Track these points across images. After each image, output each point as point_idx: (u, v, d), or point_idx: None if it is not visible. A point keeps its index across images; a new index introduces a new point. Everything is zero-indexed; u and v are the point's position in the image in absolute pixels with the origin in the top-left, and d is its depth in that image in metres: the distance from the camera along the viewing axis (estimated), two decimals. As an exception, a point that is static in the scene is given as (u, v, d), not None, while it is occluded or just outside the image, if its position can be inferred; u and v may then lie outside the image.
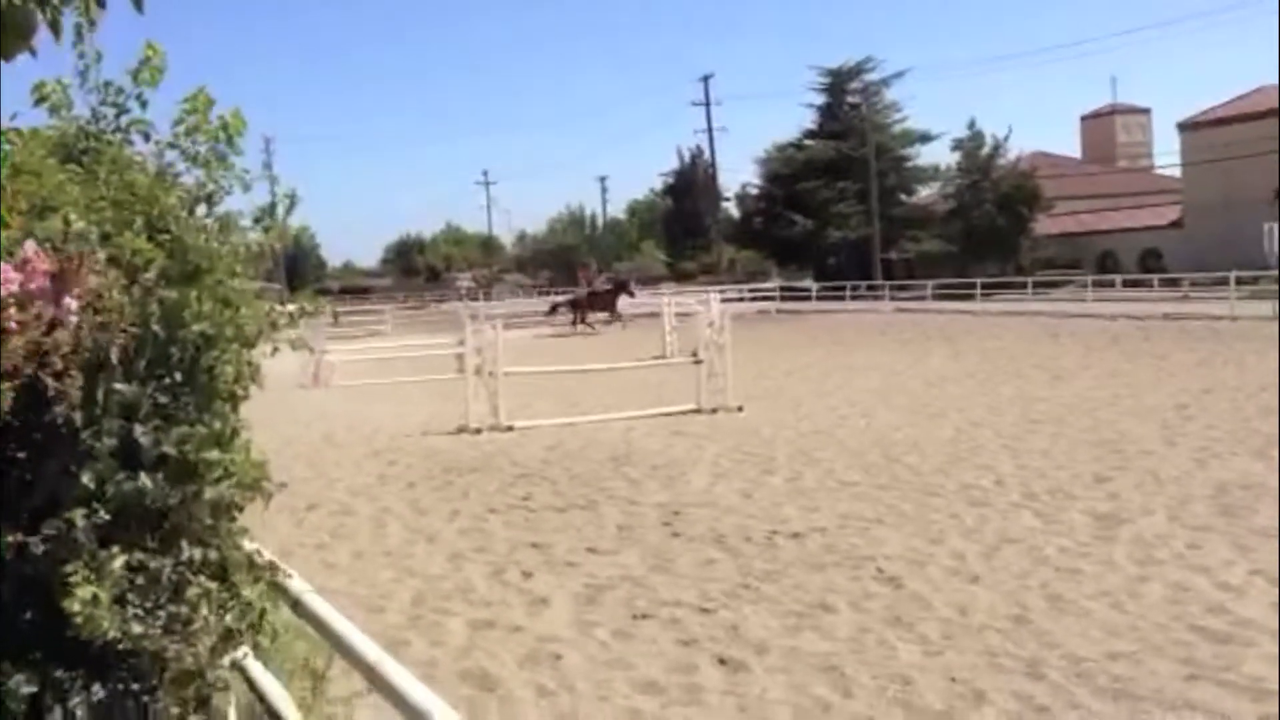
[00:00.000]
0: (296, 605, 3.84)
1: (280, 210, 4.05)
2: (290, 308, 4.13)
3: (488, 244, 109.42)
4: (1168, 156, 65.05)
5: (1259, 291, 35.20)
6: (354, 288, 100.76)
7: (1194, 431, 13.04)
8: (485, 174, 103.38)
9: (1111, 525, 8.69)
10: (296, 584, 3.91)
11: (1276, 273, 33.19)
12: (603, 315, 43.04)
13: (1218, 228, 51.33)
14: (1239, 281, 35.35)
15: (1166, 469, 10.82)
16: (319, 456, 14.08)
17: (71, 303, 3.08)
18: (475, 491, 11.38)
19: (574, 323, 43.03)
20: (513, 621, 6.98)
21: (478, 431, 15.37)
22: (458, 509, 10.55)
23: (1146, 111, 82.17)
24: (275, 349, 3.91)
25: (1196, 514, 8.93)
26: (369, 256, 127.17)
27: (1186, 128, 59.46)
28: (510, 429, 15.47)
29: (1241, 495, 9.49)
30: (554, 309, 46.60)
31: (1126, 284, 46.39)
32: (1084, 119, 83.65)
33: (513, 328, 27.66)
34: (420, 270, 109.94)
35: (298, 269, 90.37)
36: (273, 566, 3.79)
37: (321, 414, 18.56)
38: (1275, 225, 38.22)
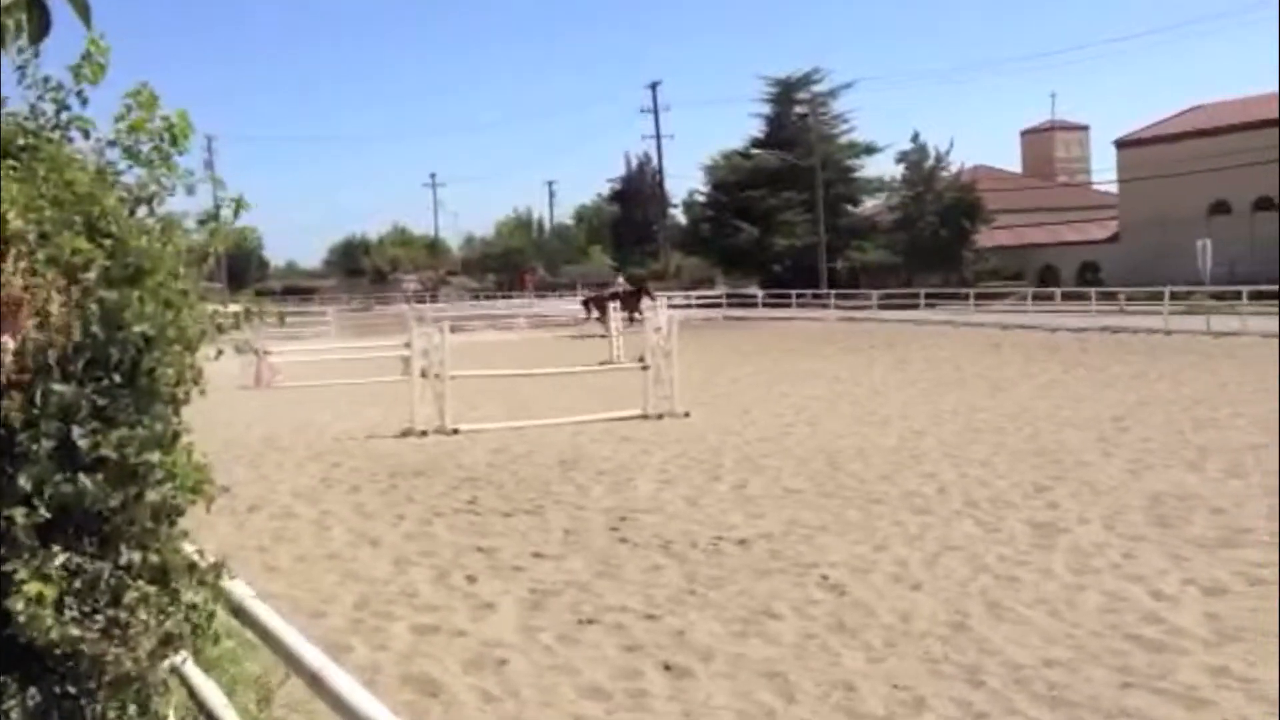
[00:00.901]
0: (239, 611, 3.80)
1: (227, 214, 4.00)
2: (234, 309, 4.08)
3: (434, 246, 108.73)
4: (1105, 173, 66.22)
5: (1193, 306, 35.98)
6: (297, 288, 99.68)
7: (1129, 443, 13.29)
8: (433, 176, 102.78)
9: (1050, 534, 8.82)
10: (239, 588, 3.86)
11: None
12: (623, 316, 43.25)
13: (1153, 243, 52.39)
14: (1173, 296, 36.11)
15: (1103, 479, 11.01)
16: (261, 459, 13.91)
17: (9, 342, 3.04)
18: (420, 495, 11.30)
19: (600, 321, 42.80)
20: (457, 626, 6.93)
21: (423, 434, 15.27)
22: (402, 513, 10.47)
23: (1085, 128, 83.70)
24: (219, 352, 3.86)
25: (1132, 524, 9.10)
26: (313, 257, 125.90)
27: (1123, 145, 60.66)
28: (456, 432, 15.38)
29: (1175, 506, 9.68)
30: (588, 305, 46.68)
31: (1066, 296, 47.15)
32: (1024, 134, 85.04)
33: (460, 331, 27.50)
34: (365, 272, 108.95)
35: (239, 269, 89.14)
36: (216, 570, 3.74)
37: (263, 416, 18.33)
38: (1208, 241, 39.07)
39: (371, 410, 18.35)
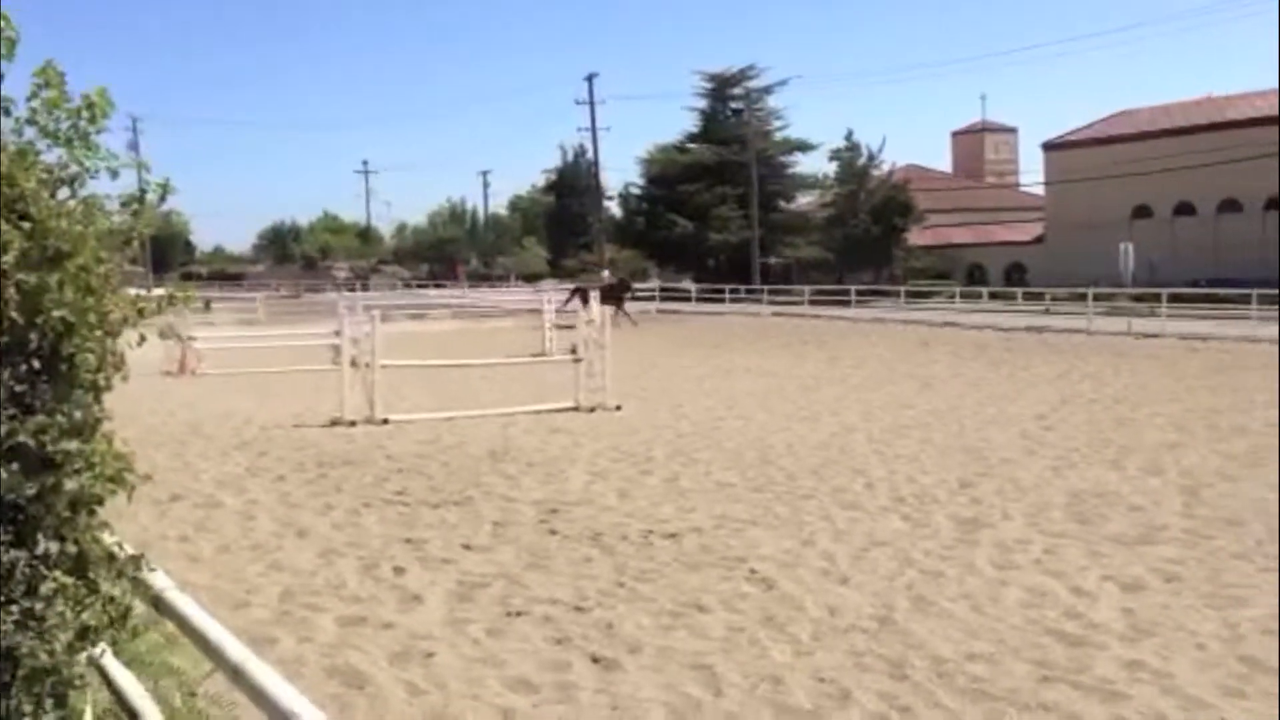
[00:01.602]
0: (158, 602, 3.72)
1: (152, 198, 3.91)
2: (157, 293, 4.00)
3: (366, 234, 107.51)
4: (1033, 174, 67.53)
5: (1115, 308, 36.82)
6: (225, 274, 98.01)
7: (1052, 441, 13.56)
8: (365, 163, 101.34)
9: (973, 530, 8.97)
10: (159, 579, 3.78)
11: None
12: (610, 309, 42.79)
13: (1077, 245, 53.49)
14: (1096, 298, 36.92)
15: (1026, 477, 11.22)
16: (184, 447, 13.65)
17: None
18: (348, 485, 11.17)
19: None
20: (384, 618, 6.87)
21: (352, 424, 15.09)
22: (330, 503, 10.34)
23: (1014, 131, 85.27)
24: (142, 338, 3.77)
25: (1053, 520, 9.28)
26: (241, 242, 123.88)
27: (1050, 148, 61.87)
28: (386, 422, 15.23)
29: (1095, 504, 9.89)
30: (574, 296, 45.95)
31: (993, 296, 48.00)
32: (955, 135, 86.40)
33: (390, 320, 27.23)
34: (295, 258, 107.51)
35: (164, 253, 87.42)
36: (135, 561, 3.66)
37: (187, 403, 18.00)
38: (1130, 245, 39.98)
39: (299, 399, 18.10)
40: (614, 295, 42.28)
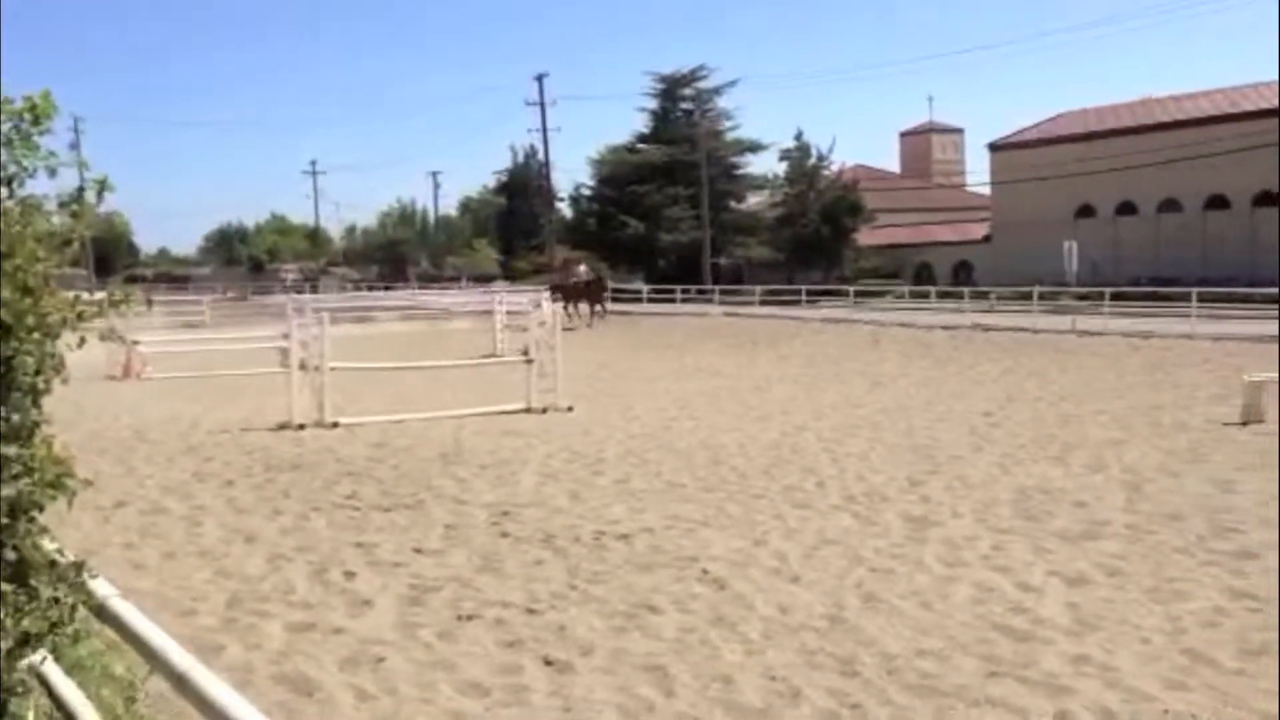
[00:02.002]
0: (100, 609, 3.66)
1: (90, 196, 3.85)
2: (98, 296, 3.94)
3: (314, 236, 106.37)
4: (979, 175, 68.39)
5: (1060, 306, 37.35)
6: (170, 276, 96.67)
7: (999, 438, 13.72)
8: (313, 164, 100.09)
9: (923, 527, 9.06)
10: (101, 586, 3.72)
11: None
12: (585, 308, 41.25)
13: (1022, 244, 54.17)
14: (1041, 296, 37.44)
15: (974, 474, 11.35)
16: (129, 452, 13.44)
17: None
18: (297, 490, 11.06)
19: (566, 316, 40.88)
20: (334, 623, 6.80)
21: (301, 428, 14.94)
22: (279, 508, 10.22)
23: (960, 131, 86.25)
24: (82, 340, 3.71)
25: (1001, 517, 9.39)
26: (187, 244, 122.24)
27: (996, 148, 62.60)
28: (336, 425, 15.09)
29: (1041, 500, 10.03)
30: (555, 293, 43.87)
31: (940, 295, 48.45)
32: (903, 135, 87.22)
33: (340, 323, 26.99)
34: (242, 261, 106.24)
35: (108, 255, 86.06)
36: (76, 567, 3.60)
37: (132, 407, 17.73)
38: (1074, 244, 40.57)
39: (247, 403, 17.90)
40: (592, 293, 41.84)
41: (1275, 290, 34.63)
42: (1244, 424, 14.20)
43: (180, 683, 2.96)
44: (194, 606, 7.19)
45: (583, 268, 44.90)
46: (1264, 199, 49.94)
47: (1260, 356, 23.70)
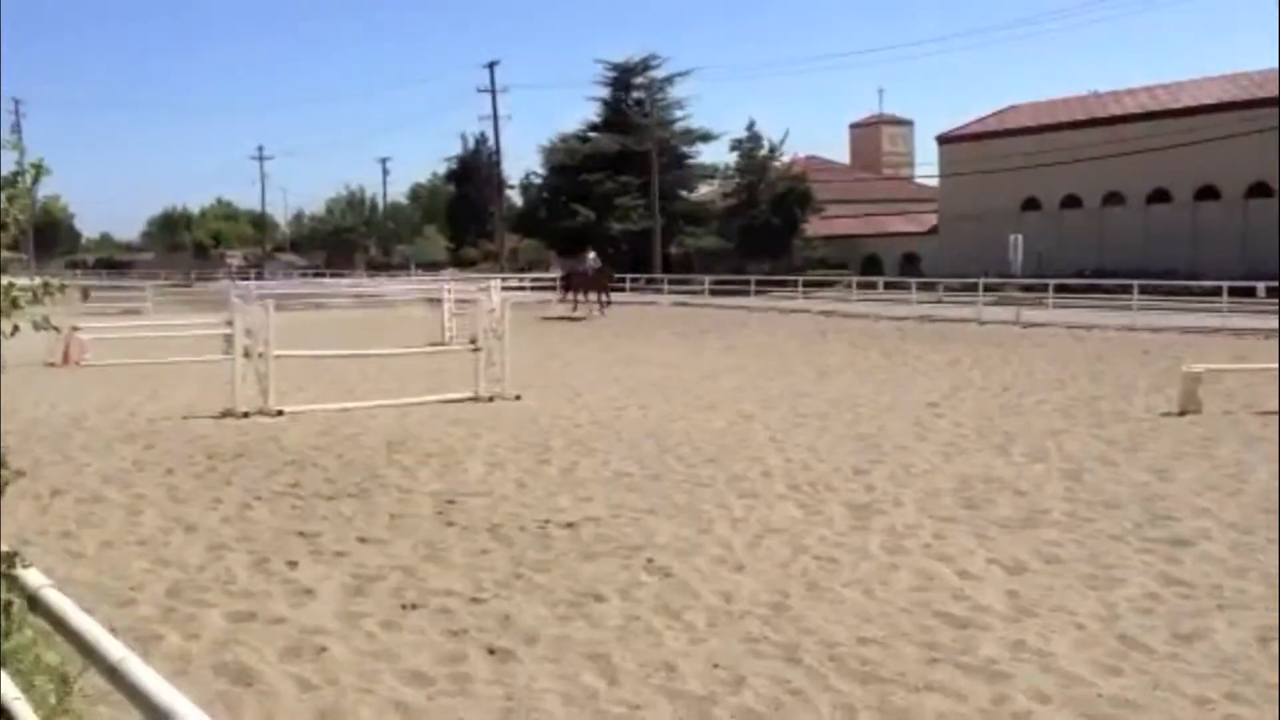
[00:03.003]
0: (33, 600, 3.60)
1: (26, 179, 3.78)
2: (34, 282, 3.86)
3: (260, 222, 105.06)
4: (928, 167, 68.94)
5: (1005, 298, 37.84)
6: (112, 262, 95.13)
7: (943, 428, 13.89)
8: (260, 149, 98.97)
9: (867, 516, 9.15)
10: (34, 577, 3.66)
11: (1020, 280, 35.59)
12: (594, 297, 40.27)
13: (969, 236, 54.83)
14: (986, 288, 37.91)
15: (918, 463, 11.47)
16: (66, 440, 13.20)
17: None
18: (240, 478, 10.93)
19: (574, 305, 40.19)
20: (275, 613, 6.74)
21: (245, 415, 14.76)
22: (220, 496, 10.10)
23: (910, 123, 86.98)
24: (15, 328, 3.64)
25: (943, 506, 9.51)
26: (130, 229, 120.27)
27: (944, 141, 63.25)
28: (280, 413, 14.93)
29: (983, 489, 10.16)
30: (566, 283, 43.17)
31: (888, 286, 48.92)
32: (853, 127, 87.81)
33: (284, 310, 26.68)
34: (186, 246, 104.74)
35: (47, 240, 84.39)
36: (9, 558, 3.54)
37: (71, 395, 17.41)
38: (1019, 236, 41.12)
39: (189, 390, 17.65)
40: (600, 282, 40.68)
41: (1213, 283, 35.34)
42: (1181, 414, 14.49)
43: (113, 675, 2.92)
44: (132, 596, 7.09)
45: (592, 255, 43.78)
46: (1204, 193, 50.91)
47: (1197, 347, 24.22)
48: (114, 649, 2.99)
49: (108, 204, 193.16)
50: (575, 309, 39.55)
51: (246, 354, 15.33)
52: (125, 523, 9.16)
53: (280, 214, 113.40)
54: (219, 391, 15.87)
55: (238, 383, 15.07)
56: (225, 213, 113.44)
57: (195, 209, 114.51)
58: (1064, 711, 5.21)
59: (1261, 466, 11.04)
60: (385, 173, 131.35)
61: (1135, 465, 11.25)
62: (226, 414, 14.84)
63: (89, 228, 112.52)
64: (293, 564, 7.82)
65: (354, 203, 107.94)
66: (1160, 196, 52.28)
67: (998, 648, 6.02)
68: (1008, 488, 10.19)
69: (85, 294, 46.15)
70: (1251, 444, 12.41)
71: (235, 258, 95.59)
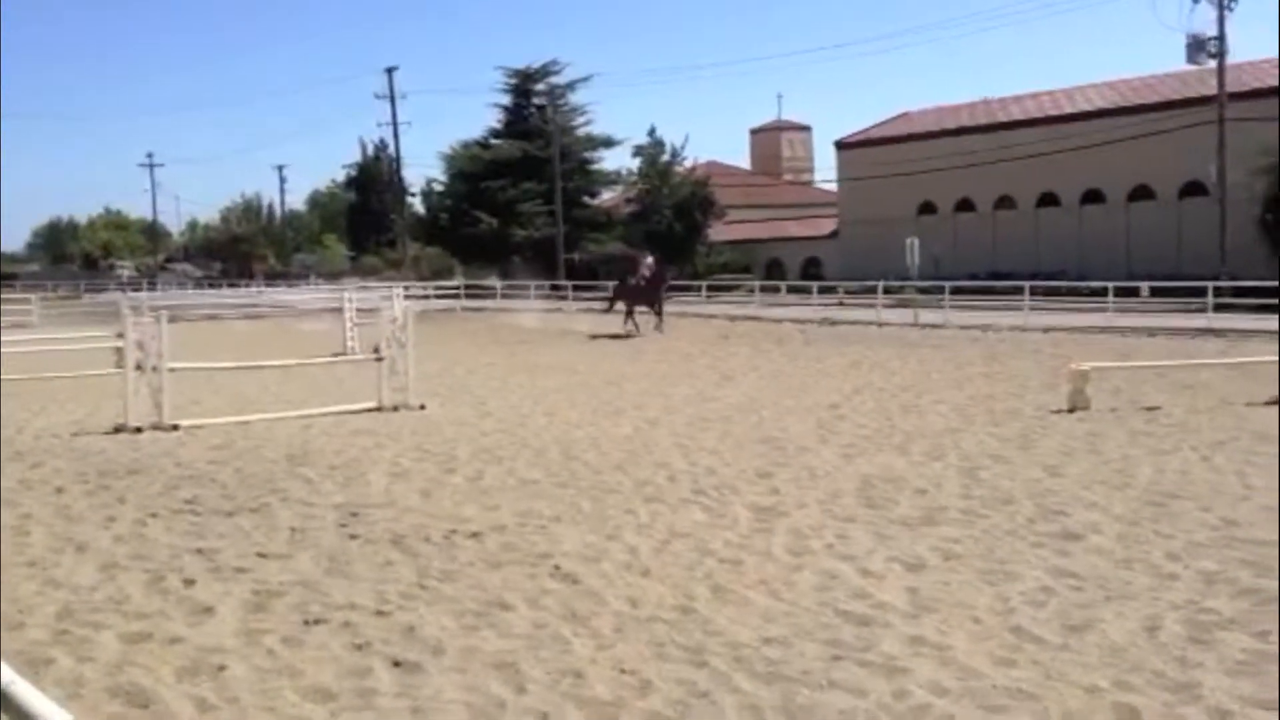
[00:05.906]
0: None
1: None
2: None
3: (152, 231, 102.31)
4: (826, 172, 70.09)
5: (903, 300, 38.63)
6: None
7: (845, 429, 14.12)
8: (150, 156, 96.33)
9: (770, 518, 9.26)
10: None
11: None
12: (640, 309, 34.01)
13: (868, 240, 55.86)
14: (885, 291, 38.67)
15: (820, 464, 11.65)
16: (-52, 460, 12.69)
17: None
18: (134, 495, 10.63)
19: (626, 316, 33.88)
20: (172, 633, 6.58)
21: (138, 431, 14.35)
22: (113, 515, 9.81)
23: (808, 129, 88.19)
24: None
25: (845, 506, 9.68)
26: (14, 240, 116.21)
27: (842, 146, 64.35)
28: (176, 428, 14.55)
29: (883, 488, 10.36)
30: (618, 294, 36.40)
31: (790, 290, 49.56)
32: (753, 132, 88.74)
33: (179, 320, 26.03)
34: (74, 257, 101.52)
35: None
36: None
37: (-48, 413, 16.73)
38: (916, 240, 42.01)
39: (80, 406, 17.12)
40: (652, 293, 33.88)
41: (1100, 284, 36.53)
42: (1070, 410, 14.95)
43: (1, 699, 2.84)
44: (21, 620, 6.85)
45: (650, 258, 36.07)
46: (1091, 197, 52.62)
47: (1085, 346, 25.06)
48: (1, 672, 2.91)
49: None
50: (626, 323, 33.58)
51: (139, 368, 14.92)
52: (12, 544, 8.83)
53: (173, 223, 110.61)
54: (111, 407, 15.42)
55: (130, 397, 14.65)
56: (114, 222, 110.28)
57: (83, 218, 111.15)
58: (961, 703, 5.34)
59: (1146, 461, 11.46)
60: (282, 180, 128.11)
61: (1028, 462, 11.58)
62: (119, 429, 14.42)
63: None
64: (190, 582, 7.64)
65: (250, 211, 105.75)
66: (1049, 200, 53.91)
67: (898, 644, 6.15)
68: (908, 486, 10.41)
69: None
70: (1136, 439, 12.88)
71: (126, 268, 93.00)
